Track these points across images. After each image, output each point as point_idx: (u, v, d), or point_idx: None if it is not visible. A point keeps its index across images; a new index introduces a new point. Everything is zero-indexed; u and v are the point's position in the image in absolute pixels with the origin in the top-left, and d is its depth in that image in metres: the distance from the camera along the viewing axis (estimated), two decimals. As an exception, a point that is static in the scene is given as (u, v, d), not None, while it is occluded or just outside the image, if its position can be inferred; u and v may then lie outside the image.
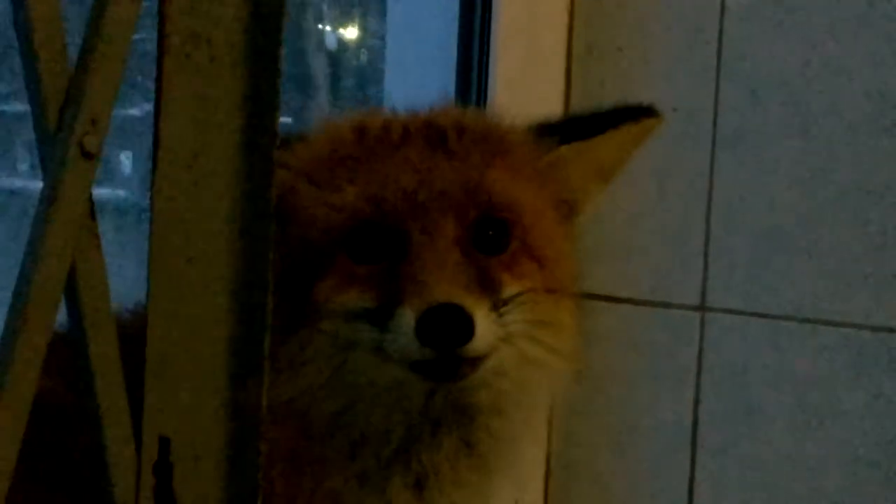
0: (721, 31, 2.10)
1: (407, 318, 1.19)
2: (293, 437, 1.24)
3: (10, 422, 0.95)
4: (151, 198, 0.98)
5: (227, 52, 0.99)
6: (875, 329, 1.99)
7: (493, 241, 1.28)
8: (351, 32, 2.68)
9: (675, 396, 2.16)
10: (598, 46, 2.21)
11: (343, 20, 2.63)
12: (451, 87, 2.22)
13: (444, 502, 1.31)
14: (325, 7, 2.66)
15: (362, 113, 1.37)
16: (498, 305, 1.24)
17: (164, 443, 0.99)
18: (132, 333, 0.99)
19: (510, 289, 1.27)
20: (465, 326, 1.18)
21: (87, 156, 0.95)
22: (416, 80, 2.28)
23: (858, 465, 2.01)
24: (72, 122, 0.95)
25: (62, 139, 0.95)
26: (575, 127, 1.40)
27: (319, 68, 2.58)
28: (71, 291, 0.96)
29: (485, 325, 1.20)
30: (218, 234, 0.99)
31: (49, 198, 0.95)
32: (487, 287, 1.24)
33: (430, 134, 1.30)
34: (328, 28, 2.66)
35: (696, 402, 2.14)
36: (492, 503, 1.35)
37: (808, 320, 2.04)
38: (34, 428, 0.96)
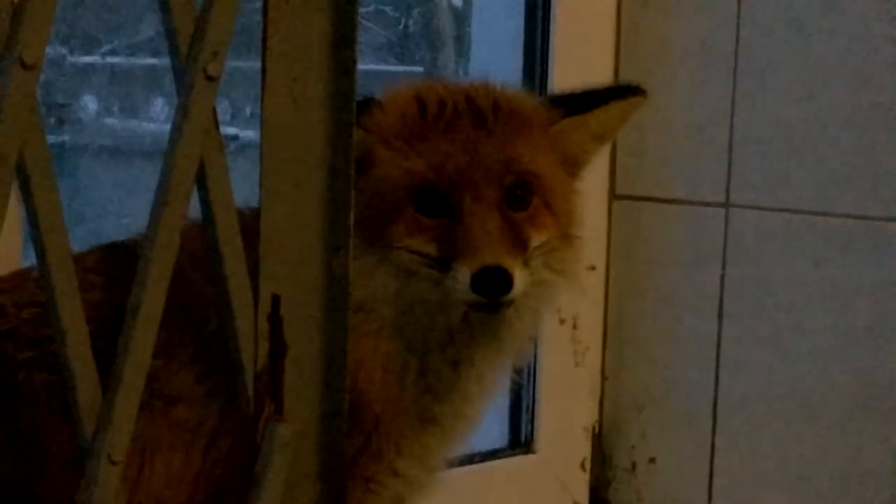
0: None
1: (463, 273, 1.42)
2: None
3: (158, 278, 1.10)
4: (262, 113, 1.12)
5: (316, -2, 1.13)
6: (866, 218, 2.13)
7: (520, 198, 1.50)
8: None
9: (705, 280, 2.31)
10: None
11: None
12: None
13: (473, 373, 1.54)
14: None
15: (419, 85, 1.58)
16: (527, 260, 1.47)
17: (276, 299, 1.13)
18: (247, 224, 1.16)
19: (534, 241, 1.49)
20: (507, 282, 1.43)
21: (210, 79, 1.10)
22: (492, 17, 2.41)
23: (856, 330, 2.16)
24: (198, 53, 1.09)
25: (191, 67, 1.09)
26: (577, 100, 1.59)
27: (446, 24, 2.55)
28: (201, 184, 1.11)
29: (520, 278, 1.44)
30: (314, 140, 1.13)
31: (181, 112, 1.09)
32: (520, 245, 1.47)
33: (473, 115, 1.51)
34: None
35: (722, 284, 2.29)
36: (503, 371, 1.59)
37: (813, 213, 2.18)
38: (172, 290, 1.12)
